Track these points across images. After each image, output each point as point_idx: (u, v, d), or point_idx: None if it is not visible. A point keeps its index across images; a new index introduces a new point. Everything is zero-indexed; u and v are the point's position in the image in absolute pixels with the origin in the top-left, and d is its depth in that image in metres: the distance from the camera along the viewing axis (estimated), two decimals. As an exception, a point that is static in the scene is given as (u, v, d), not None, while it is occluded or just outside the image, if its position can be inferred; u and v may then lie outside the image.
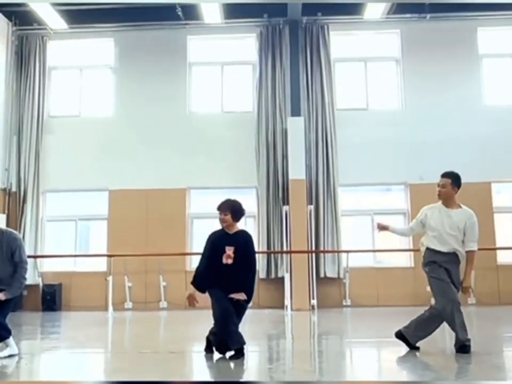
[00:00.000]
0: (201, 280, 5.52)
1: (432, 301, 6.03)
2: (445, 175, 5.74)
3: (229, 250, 5.44)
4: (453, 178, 5.70)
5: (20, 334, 7.73)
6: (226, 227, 5.60)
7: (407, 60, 12.60)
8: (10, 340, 5.58)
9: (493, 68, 12.66)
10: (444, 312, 5.40)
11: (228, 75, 12.95)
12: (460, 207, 5.70)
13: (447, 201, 5.69)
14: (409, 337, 5.66)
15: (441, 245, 5.57)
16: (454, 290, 5.48)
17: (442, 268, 5.53)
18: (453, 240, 5.57)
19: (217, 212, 5.63)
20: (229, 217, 5.54)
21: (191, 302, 5.49)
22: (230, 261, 5.43)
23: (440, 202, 5.77)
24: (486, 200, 11.77)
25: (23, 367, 5.23)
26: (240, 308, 5.47)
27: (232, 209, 5.56)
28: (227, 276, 5.42)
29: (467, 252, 5.59)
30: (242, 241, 5.55)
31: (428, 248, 5.68)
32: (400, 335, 5.74)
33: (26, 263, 5.80)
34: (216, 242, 5.55)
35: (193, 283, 5.56)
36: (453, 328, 5.40)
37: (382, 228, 6.01)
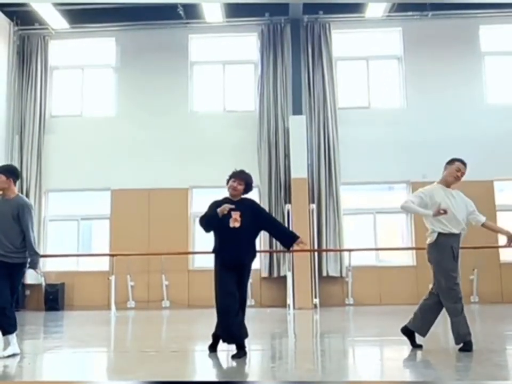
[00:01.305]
0: (207, 220, 5.59)
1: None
2: (465, 164, 5.70)
3: (235, 214, 5.41)
4: (464, 162, 5.72)
5: (23, 333, 7.73)
6: (234, 195, 5.58)
7: (408, 58, 12.58)
8: (13, 339, 5.58)
9: (495, 66, 12.64)
10: (451, 310, 5.35)
11: (230, 74, 12.95)
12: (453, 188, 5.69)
13: (451, 183, 5.67)
14: (417, 329, 5.60)
15: (454, 227, 5.45)
16: (460, 288, 5.44)
17: (456, 261, 5.44)
18: (462, 220, 5.51)
19: (231, 180, 5.58)
20: (242, 187, 5.54)
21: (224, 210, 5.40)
22: (237, 224, 5.40)
23: (436, 183, 5.69)
24: (489, 198, 11.75)
25: (25, 367, 5.23)
26: (242, 290, 5.46)
27: (247, 182, 5.57)
28: (235, 240, 5.41)
29: (485, 224, 5.59)
30: (248, 206, 5.55)
31: (440, 234, 5.47)
32: (406, 330, 5.69)
33: (32, 231, 5.61)
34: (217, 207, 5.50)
35: (200, 222, 5.66)
36: (455, 326, 5.36)
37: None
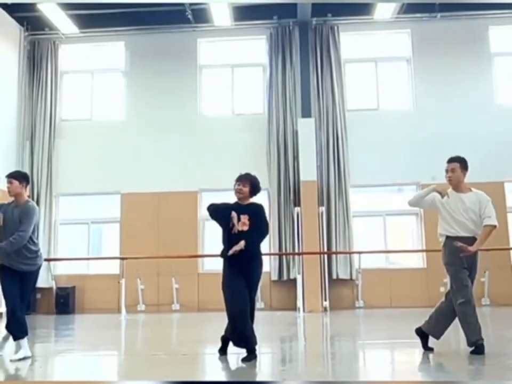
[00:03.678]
0: (216, 208, 5.60)
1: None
2: (452, 159, 5.68)
3: (244, 218, 5.45)
4: (461, 162, 5.67)
5: (34, 336, 7.78)
6: (241, 199, 5.60)
7: (418, 60, 12.54)
8: (25, 342, 5.61)
9: (505, 67, 12.56)
10: (461, 312, 5.32)
11: (238, 77, 12.97)
12: (471, 190, 5.62)
13: (458, 186, 5.62)
14: (431, 332, 5.56)
15: (461, 230, 5.42)
16: (471, 290, 5.41)
17: (464, 268, 5.41)
18: (471, 223, 5.46)
19: (236, 183, 5.62)
20: (247, 189, 5.56)
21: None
22: (245, 228, 5.43)
23: (450, 188, 5.66)
24: (499, 200, 11.65)
25: (37, 370, 5.26)
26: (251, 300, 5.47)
27: (251, 183, 5.60)
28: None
29: (483, 227, 5.44)
30: (256, 210, 5.58)
31: (448, 237, 5.49)
32: (420, 332, 5.67)
33: (24, 231, 5.53)
34: (230, 212, 5.53)
35: (209, 207, 5.65)
36: (464, 328, 5.33)
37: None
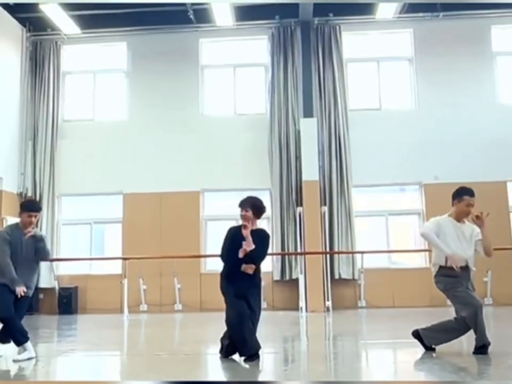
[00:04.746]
0: (227, 258, 5.67)
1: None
2: (473, 194, 5.61)
3: (245, 245, 5.46)
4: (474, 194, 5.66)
5: (37, 337, 7.79)
6: (246, 222, 5.63)
7: (420, 59, 12.52)
8: (28, 343, 5.63)
9: (507, 66, 12.54)
10: (470, 318, 5.31)
11: (240, 77, 12.97)
12: (464, 222, 5.64)
13: (462, 219, 5.63)
14: (425, 338, 5.61)
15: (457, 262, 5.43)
16: (474, 295, 5.42)
17: (456, 279, 5.42)
18: (468, 255, 5.51)
19: (239, 209, 5.68)
20: (250, 213, 5.60)
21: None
22: (252, 247, 5.46)
23: (447, 215, 5.65)
24: (502, 199, 11.64)
25: (40, 370, 5.27)
26: (253, 311, 5.47)
27: (253, 206, 5.64)
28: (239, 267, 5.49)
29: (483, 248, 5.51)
30: (260, 237, 5.59)
31: (441, 267, 5.52)
32: (416, 335, 5.68)
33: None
34: (234, 237, 5.59)
35: (221, 257, 5.74)
36: (476, 331, 5.32)
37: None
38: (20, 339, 5.60)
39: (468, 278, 5.53)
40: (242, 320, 5.29)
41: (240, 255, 5.45)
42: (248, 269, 5.45)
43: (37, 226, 6.02)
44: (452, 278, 5.44)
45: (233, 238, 5.59)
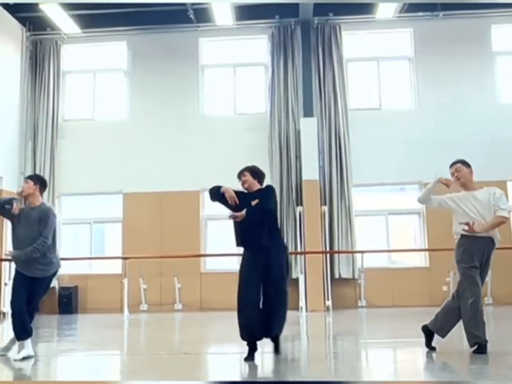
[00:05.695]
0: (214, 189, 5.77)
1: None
2: (453, 162, 5.76)
3: (254, 202, 5.47)
4: (461, 161, 5.73)
5: (37, 336, 7.78)
6: (248, 187, 5.66)
7: (420, 59, 12.52)
8: (28, 342, 5.63)
9: (507, 66, 12.53)
10: (474, 304, 5.29)
11: (240, 77, 12.97)
12: (482, 187, 5.61)
13: (468, 184, 5.62)
14: (438, 330, 5.54)
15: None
16: (481, 289, 5.41)
17: (475, 267, 5.39)
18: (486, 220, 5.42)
19: (239, 180, 5.75)
20: (248, 176, 5.66)
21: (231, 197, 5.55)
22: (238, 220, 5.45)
23: (462, 191, 5.66)
24: (502, 199, 11.64)
25: (40, 369, 5.27)
26: (276, 288, 5.38)
27: (250, 170, 5.72)
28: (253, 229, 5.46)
29: (494, 217, 5.40)
30: (263, 192, 5.60)
31: (463, 236, 5.46)
32: (426, 330, 5.64)
33: (47, 238, 5.68)
34: (240, 201, 5.55)
35: (210, 190, 5.83)
36: (470, 326, 5.30)
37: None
38: (21, 335, 5.61)
39: (488, 253, 5.45)
40: (242, 307, 5.28)
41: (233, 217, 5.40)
42: (240, 216, 5.34)
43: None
44: (469, 256, 5.38)
45: (240, 203, 5.52)
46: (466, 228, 5.34)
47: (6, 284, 10.66)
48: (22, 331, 5.60)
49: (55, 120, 12.73)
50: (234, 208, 5.52)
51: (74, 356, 6.17)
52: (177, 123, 12.55)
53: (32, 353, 5.64)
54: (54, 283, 11.83)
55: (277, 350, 5.54)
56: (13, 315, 5.63)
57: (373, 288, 11.44)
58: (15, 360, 5.47)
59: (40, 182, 5.96)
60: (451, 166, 5.77)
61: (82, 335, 8.70)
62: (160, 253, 11.66)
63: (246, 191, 5.69)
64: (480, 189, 5.61)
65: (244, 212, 5.35)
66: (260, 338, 5.41)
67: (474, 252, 5.41)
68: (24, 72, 12.81)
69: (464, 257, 5.45)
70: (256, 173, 5.71)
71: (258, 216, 5.43)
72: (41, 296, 5.89)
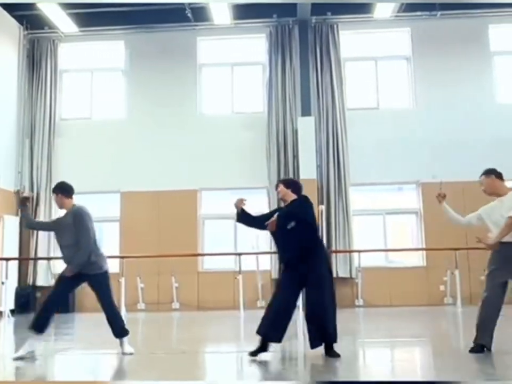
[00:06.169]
0: (248, 214, 5.68)
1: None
2: (481, 175, 5.70)
3: (273, 217, 5.44)
4: (484, 173, 5.67)
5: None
6: (283, 197, 5.66)
7: (417, 58, 12.54)
8: (30, 339, 5.63)
9: (505, 65, 12.56)
10: (489, 302, 5.29)
11: (238, 76, 12.97)
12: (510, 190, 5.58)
13: (496, 192, 5.58)
14: (488, 343, 5.31)
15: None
16: (502, 295, 5.41)
17: (504, 272, 5.38)
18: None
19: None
20: (282, 187, 5.64)
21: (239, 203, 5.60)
22: (273, 228, 5.42)
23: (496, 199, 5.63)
24: (499, 198, 11.65)
25: (37, 368, 5.26)
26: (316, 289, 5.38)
27: (284, 182, 5.73)
28: (278, 242, 5.52)
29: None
30: (294, 205, 5.57)
31: (501, 243, 5.36)
32: (479, 348, 5.31)
33: (86, 242, 5.84)
34: (274, 211, 5.65)
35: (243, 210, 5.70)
36: (482, 327, 5.27)
37: (443, 196, 5.84)
38: (35, 325, 5.68)
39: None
40: (285, 308, 5.46)
41: (269, 228, 5.40)
42: (270, 223, 5.35)
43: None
44: (501, 262, 5.38)
45: (278, 214, 5.53)
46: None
47: (3, 283, 10.63)
48: (39, 325, 5.71)
49: (53, 118, 12.71)
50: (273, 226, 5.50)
51: (71, 355, 6.16)
52: (174, 122, 12.54)
53: (23, 353, 5.58)
54: (51, 282, 11.82)
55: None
56: (40, 308, 5.91)
57: (370, 287, 11.45)
58: (13, 359, 5.45)
59: (60, 191, 5.96)
60: (479, 177, 5.72)
61: (79, 334, 8.69)
62: (158, 252, 11.65)
63: (285, 204, 5.68)
64: (509, 193, 5.55)
65: (274, 217, 5.36)
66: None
67: (505, 258, 5.36)
68: (22, 71, 12.78)
69: (492, 260, 5.47)
70: (288, 183, 5.70)
71: (286, 232, 5.40)
72: (106, 293, 6.10)
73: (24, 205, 6.21)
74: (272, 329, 5.32)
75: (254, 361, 5.18)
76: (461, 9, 12.16)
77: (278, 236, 5.49)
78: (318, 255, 5.44)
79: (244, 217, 5.66)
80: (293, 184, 5.70)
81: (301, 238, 5.36)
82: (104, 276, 6.00)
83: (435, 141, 11.98)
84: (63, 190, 6.00)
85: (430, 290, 11.29)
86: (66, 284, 5.91)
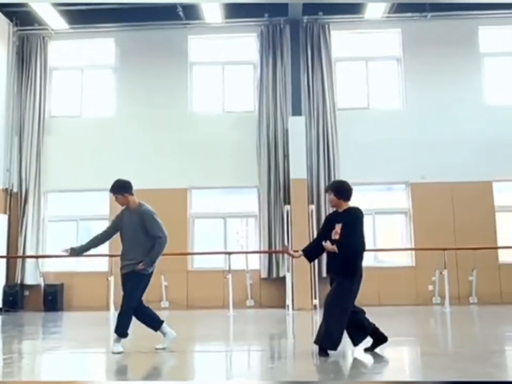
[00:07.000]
0: (311, 250, 5.80)
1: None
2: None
3: (338, 227, 5.48)
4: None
5: (22, 334, 7.73)
6: (334, 206, 5.67)
7: (408, 59, 12.59)
8: (116, 340, 5.87)
9: (495, 67, 12.65)
10: None
11: (229, 75, 12.96)
12: None
13: None
14: None
15: None
16: None
17: None
18: None
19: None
20: (332, 196, 5.62)
21: (290, 254, 5.82)
22: (337, 237, 5.47)
23: None
24: (488, 199, 11.73)
25: (24, 367, 5.23)
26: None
27: (334, 189, 5.65)
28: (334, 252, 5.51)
29: None
30: (350, 217, 5.56)
31: None
32: None
33: (160, 237, 6.11)
34: (328, 221, 5.67)
35: (304, 250, 5.83)
36: None
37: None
38: (120, 330, 5.88)
39: None
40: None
41: (333, 236, 5.48)
42: (329, 247, 5.45)
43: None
44: None
45: (327, 222, 5.66)
46: None
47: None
48: (122, 326, 6.00)
49: (42, 116, 12.63)
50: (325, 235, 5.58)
51: (59, 354, 6.13)
52: (165, 120, 12.51)
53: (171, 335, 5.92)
54: (39, 280, 11.76)
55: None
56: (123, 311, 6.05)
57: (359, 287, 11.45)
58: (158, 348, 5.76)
59: (125, 190, 6.32)
60: None
61: (67, 332, 8.64)
62: (147, 250, 11.58)
63: (337, 210, 5.68)
64: None
65: (299, 252, 5.71)
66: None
67: None
68: (11, 68, 12.69)
69: None
70: (341, 192, 5.63)
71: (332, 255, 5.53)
72: (130, 293, 6.26)
73: (73, 251, 6.18)
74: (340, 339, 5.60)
75: (242, 360, 5.17)
76: (451, 11, 12.24)
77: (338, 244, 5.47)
78: (349, 278, 5.80)
79: (313, 254, 5.85)
80: (345, 193, 5.65)
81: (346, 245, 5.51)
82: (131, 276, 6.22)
83: (424, 142, 12.05)
84: (128, 188, 6.06)
85: (419, 290, 11.35)
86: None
